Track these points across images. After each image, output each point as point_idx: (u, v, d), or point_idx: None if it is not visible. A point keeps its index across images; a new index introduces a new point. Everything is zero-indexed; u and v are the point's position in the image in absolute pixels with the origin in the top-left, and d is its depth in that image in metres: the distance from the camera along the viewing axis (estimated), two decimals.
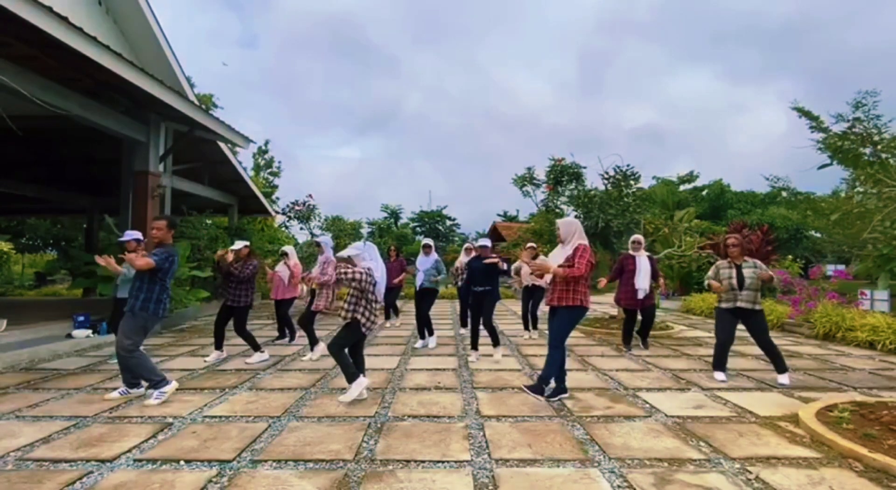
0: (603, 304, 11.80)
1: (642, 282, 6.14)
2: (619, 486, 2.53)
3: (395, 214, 36.12)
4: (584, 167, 9.03)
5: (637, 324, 6.54)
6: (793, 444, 3.10)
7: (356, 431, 3.31)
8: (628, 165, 8.44)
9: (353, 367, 4.02)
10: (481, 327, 5.75)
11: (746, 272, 4.63)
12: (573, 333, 7.59)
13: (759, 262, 4.76)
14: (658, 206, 18.40)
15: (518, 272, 7.22)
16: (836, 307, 7.70)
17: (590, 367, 5.43)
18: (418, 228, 35.95)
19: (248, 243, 5.97)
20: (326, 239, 6.18)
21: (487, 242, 5.92)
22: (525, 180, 9.42)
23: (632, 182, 8.47)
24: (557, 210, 9.42)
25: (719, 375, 4.81)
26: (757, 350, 6.44)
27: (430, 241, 7.05)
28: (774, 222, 23.25)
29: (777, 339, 7.54)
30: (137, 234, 5.41)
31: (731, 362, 5.69)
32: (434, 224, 36.06)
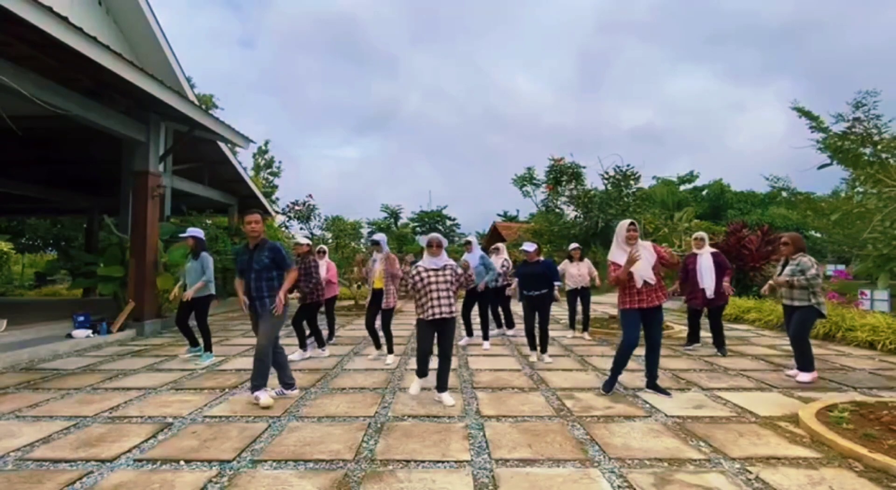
0: (603, 304, 11.79)
1: (707, 281, 5.95)
2: (619, 486, 2.53)
3: (394, 214, 36.06)
4: (584, 167, 9.06)
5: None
6: (793, 444, 3.10)
7: (356, 431, 3.31)
8: (628, 165, 8.46)
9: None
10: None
11: (786, 269, 4.77)
12: (571, 333, 7.59)
13: (803, 261, 4.67)
14: (658, 205, 18.43)
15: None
16: (836, 307, 7.70)
17: (590, 367, 5.43)
18: (418, 228, 35.92)
19: (310, 241, 6.04)
20: (383, 236, 5.95)
21: (531, 247, 5.66)
22: (525, 180, 9.44)
23: (632, 182, 8.47)
24: (557, 210, 9.43)
25: (804, 377, 4.65)
26: (756, 350, 6.45)
27: (472, 238, 6.85)
28: (774, 222, 23.26)
29: (777, 338, 7.55)
30: (198, 232, 5.80)
31: (731, 362, 5.69)
32: (434, 224, 36.04)
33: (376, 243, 5.76)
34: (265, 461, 2.84)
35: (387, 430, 3.34)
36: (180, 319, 5.83)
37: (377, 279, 5.57)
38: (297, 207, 13.48)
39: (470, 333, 6.97)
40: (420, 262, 4.09)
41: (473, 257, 6.33)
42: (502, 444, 3.10)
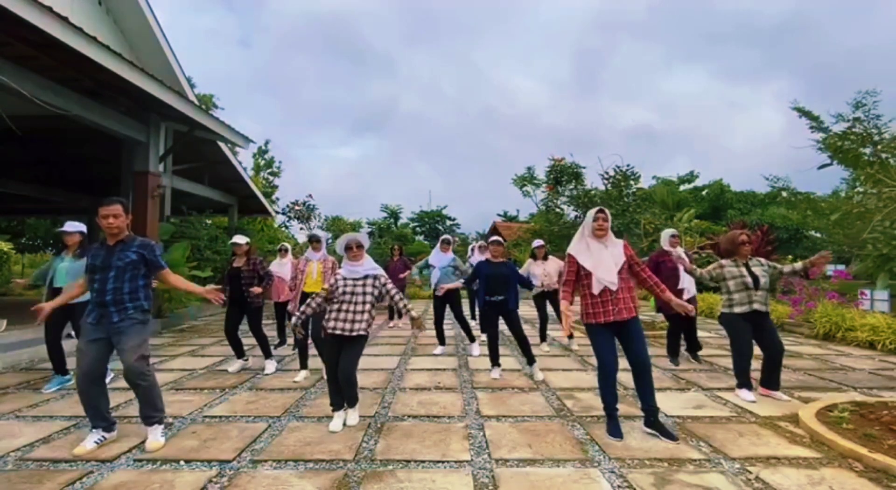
0: None
1: (687, 282, 5.30)
2: (619, 486, 2.53)
3: (394, 214, 36.06)
4: (584, 167, 9.07)
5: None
6: (793, 444, 3.10)
7: (356, 431, 3.31)
8: (628, 165, 8.47)
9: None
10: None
11: (758, 271, 4.09)
12: (574, 333, 7.58)
13: (763, 260, 4.31)
14: (658, 206, 18.40)
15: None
16: (836, 307, 7.69)
17: (590, 367, 5.43)
18: (418, 228, 35.93)
19: (248, 240, 5.79)
20: (325, 234, 5.51)
21: (497, 242, 5.01)
22: (525, 180, 9.45)
23: (632, 182, 8.49)
24: (557, 210, 9.43)
25: (748, 395, 4.08)
26: (757, 350, 6.41)
27: (448, 237, 6.58)
28: (774, 222, 23.19)
29: (780, 338, 7.53)
30: (82, 227, 4.71)
31: (731, 362, 5.67)
32: (434, 224, 36.04)
33: (316, 240, 4.94)
34: (265, 461, 2.84)
35: (387, 430, 3.34)
36: (54, 337, 4.61)
37: (311, 282, 4.88)
38: (296, 207, 13.50)
39: (442, 342, 6.28)
40: (340, 270, 3.62)
41: (446, 258, 6.20)
42: (502, 444, 3.10)
